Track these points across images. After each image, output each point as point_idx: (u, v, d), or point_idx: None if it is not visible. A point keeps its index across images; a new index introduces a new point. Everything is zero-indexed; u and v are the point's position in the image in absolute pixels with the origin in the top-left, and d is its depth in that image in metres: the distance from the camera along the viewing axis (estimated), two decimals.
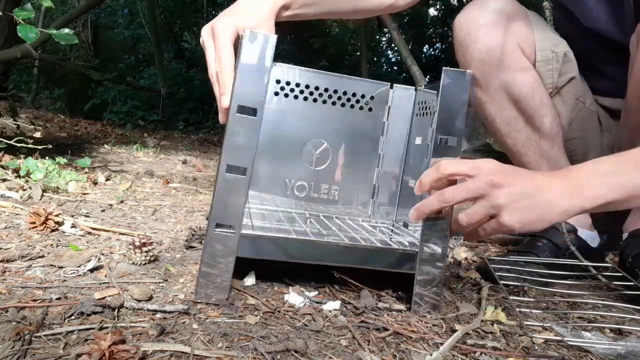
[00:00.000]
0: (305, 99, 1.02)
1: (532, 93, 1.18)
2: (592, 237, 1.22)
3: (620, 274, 1.03)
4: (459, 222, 0.77)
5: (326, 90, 1.02)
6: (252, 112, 0.77)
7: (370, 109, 1.04)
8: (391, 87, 1.05)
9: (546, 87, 1.21)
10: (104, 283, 0.83)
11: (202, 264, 0.78)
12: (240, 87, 0.77)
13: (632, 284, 0.98)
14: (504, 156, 1.33)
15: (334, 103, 1.03)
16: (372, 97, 1.04)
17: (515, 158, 1.28)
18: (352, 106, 1.04)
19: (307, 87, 1.02)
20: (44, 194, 1.42)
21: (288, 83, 1.01)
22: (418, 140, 0.99)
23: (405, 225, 1.00)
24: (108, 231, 1.15)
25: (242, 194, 0.78)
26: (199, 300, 0.78)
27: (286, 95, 1.02)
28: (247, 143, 0.77)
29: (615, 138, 1.30)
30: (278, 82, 1.01)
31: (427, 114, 0.95)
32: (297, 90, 1.02)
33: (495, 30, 1.16)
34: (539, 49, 1.20)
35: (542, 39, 1.20)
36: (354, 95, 1.03)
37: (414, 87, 1.05)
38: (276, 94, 1.02)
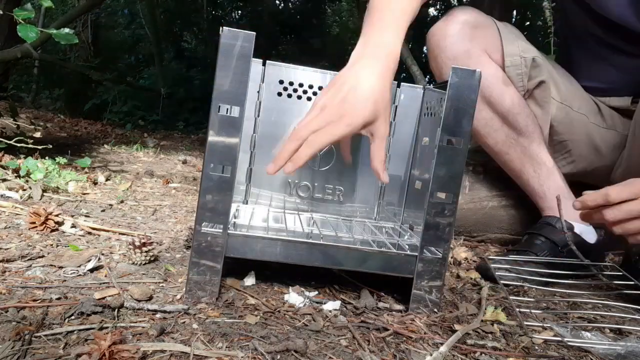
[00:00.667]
0: (309, 99, 1.01)
1: (502, 93, 1.26)
2: (587, 232, 1.22)
3: (621, 273, 1.03)
4: (627, 228, 0.90)
5: None
6: (234, 110, 0.76)
7: None
8: (398, 85, 1.03)
9: (518, 90, 1.28)
10: (104, 283, 0.83)
11: (191, 264, 0.78)
12: (220, 86, 0.76)
13: (632, 283, 0.98)
14: None
15: None
16: None
17: (498, 158, 1.34)
18: None
19: (311, 86, 1.01)
20: (44, 194, 1.42)
21: (291, 83, 1.00)
22: (425, 141, 0.98)
23: (411, 227, 0.99)
24: (108, 231, 1.15)
25: (228, 193, 0.77)
26: (190, 301, 0.78)
27: (289, 96, 1.01)
28: (231, 142, 0.77)
29: (623, 136, 1.32)
30: (281, 82, 1.00)
31: (433, 114, 0.94)
32: (300, 90, 1.01)
33: (461, 39, 1.24)
34: (507, 54, 1.27)
35: (509, 45, 1.27)
36: None
37: (422, 86, 1.03)
38: (279, 94, 1.01)
